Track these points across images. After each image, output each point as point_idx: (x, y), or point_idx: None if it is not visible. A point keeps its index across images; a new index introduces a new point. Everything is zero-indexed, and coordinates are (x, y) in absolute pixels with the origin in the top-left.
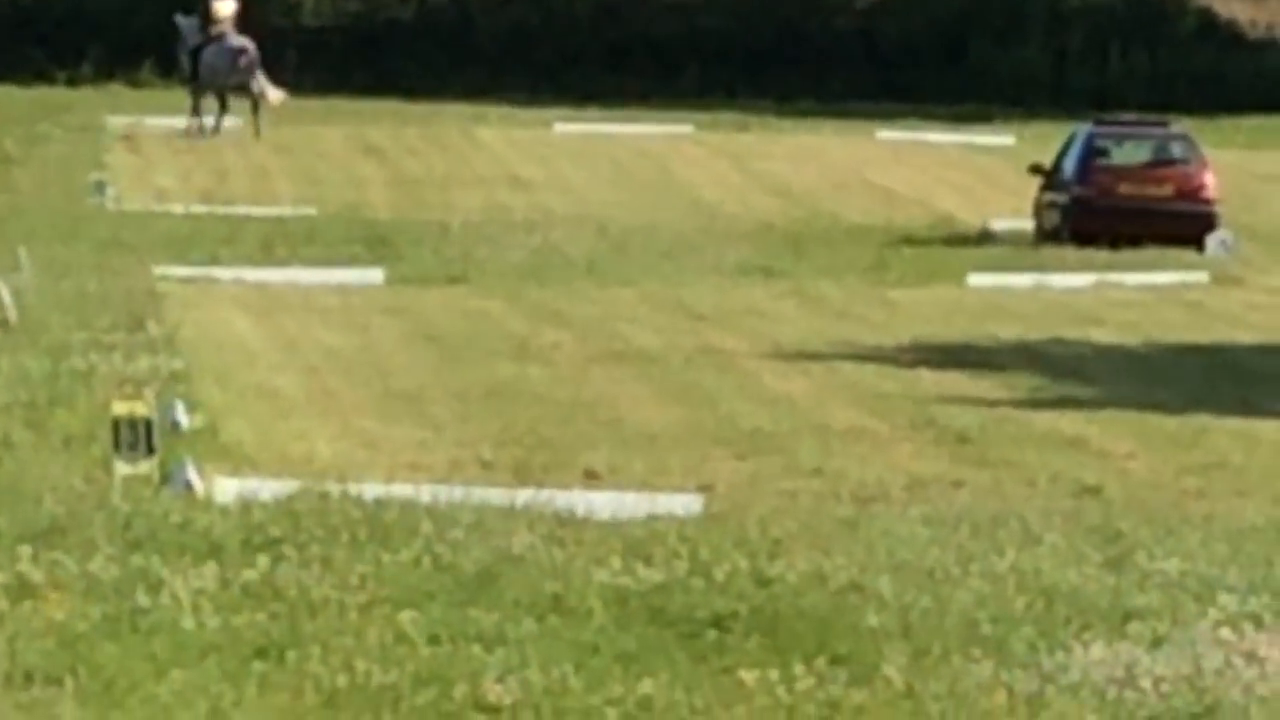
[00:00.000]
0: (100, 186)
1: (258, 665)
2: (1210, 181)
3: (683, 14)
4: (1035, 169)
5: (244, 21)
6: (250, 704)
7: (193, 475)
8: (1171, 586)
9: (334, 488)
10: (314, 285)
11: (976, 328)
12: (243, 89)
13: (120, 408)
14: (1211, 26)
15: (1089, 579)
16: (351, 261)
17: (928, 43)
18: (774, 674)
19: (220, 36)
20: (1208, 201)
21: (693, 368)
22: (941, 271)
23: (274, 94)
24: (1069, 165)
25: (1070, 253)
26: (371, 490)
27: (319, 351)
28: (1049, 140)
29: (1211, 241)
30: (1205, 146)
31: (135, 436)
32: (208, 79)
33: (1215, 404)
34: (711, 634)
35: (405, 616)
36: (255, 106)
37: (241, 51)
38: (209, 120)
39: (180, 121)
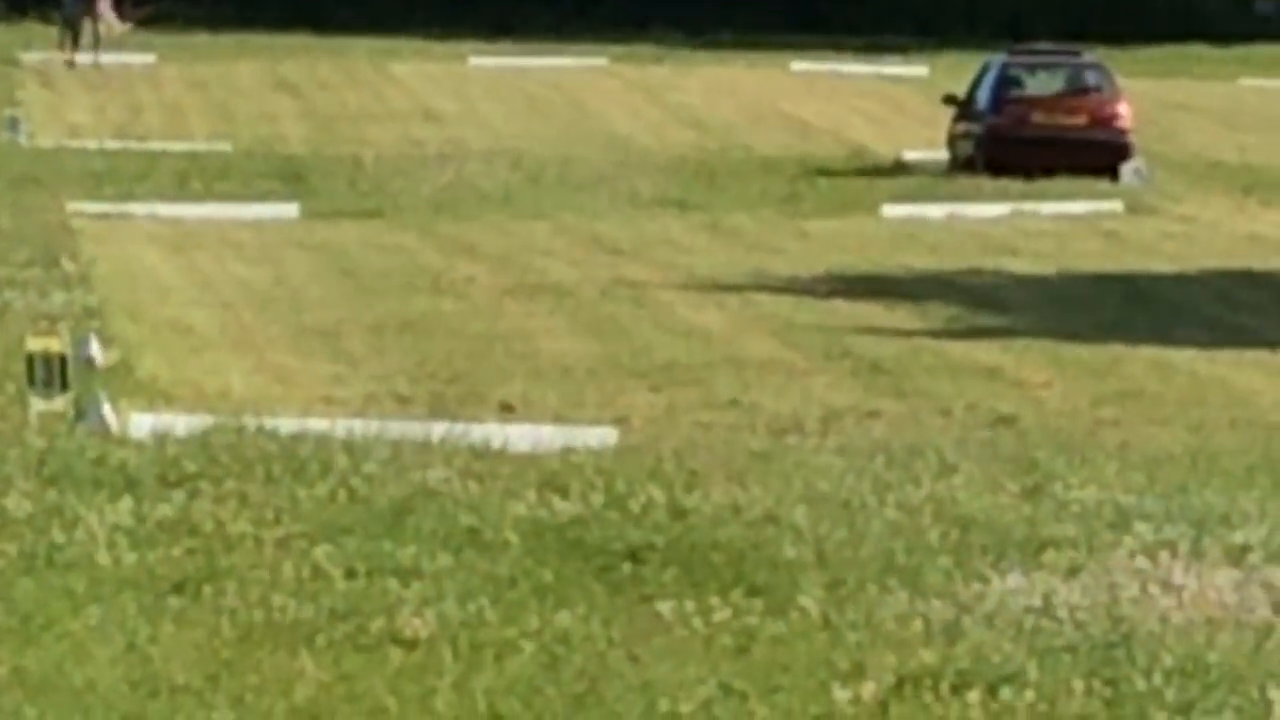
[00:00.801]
0: (13, 122)
1: (174, 601)
2: (1124, 111)
3: None
4: (949, 99)
5: None
6: (166, 639)
7: (107, 411)
8: (1087, 516)
9: (249, 422)
10: (228, 220)
11: (891, 258)
12: (88, 16)
13: (35, 344)
14: None
15: (1005, 509)
16: (266, 196)
17: None
18: (690, 605)
19: None
20: (1122, 131)
21: (607, 300)
22: (856, 203)
23: (116, 24)
24: (982, 95)
25: (984, 183)
26: (286, 425)
27: (234, 286)
28: (962, 71)
29: (1126, 171)
30: (1119, 75)
31: (50, 372)
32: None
33: (1129, 333)
34: (627, 566)
35: (321, 551)
36: (95, 36)
37: None
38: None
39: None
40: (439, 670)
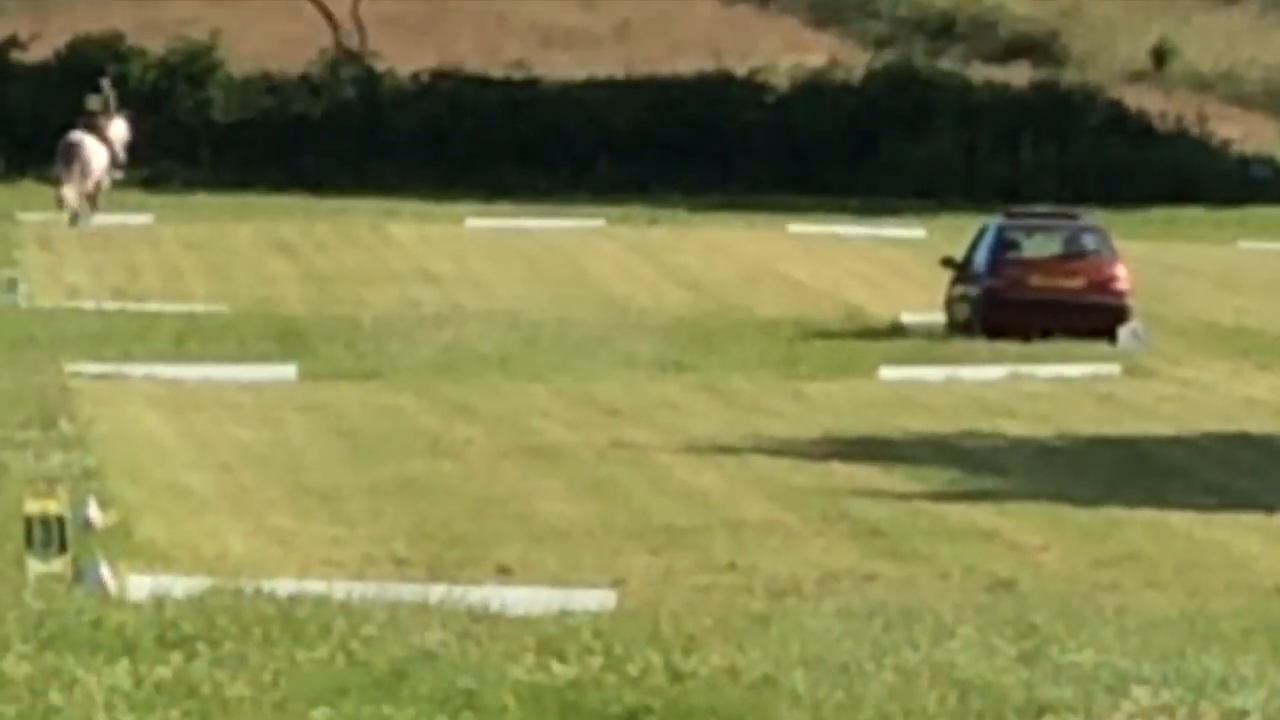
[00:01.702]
0: (12, 283)
1: None
2: (1122, 273)
3: (593, 109)
4: (946, 262)
5: (155, 115)
6: None
7: (106, 573)
8: (1085, 680)
9: (247, 584)
10: (226, 381)
11: (888, 421)
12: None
13: (33, 505)
14: (1121, 119)
15: (1003, 672)
16: (264, 358)
17: (838, 136)
18: None
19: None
20: (1119, 294)
21: (605, 462)
22: (853, 365)
23: (69, 194)
24: (980, 258)
25: (982, 345)
26: (285, 587)
27: (232, 448)
28: (960, 233)
29: (1123, 333)
30: (1116, 238)
31: (48, 534)
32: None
33: (1127, 496)
34: None
35: (319, 714)
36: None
37: (71, 144)
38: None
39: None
40: None
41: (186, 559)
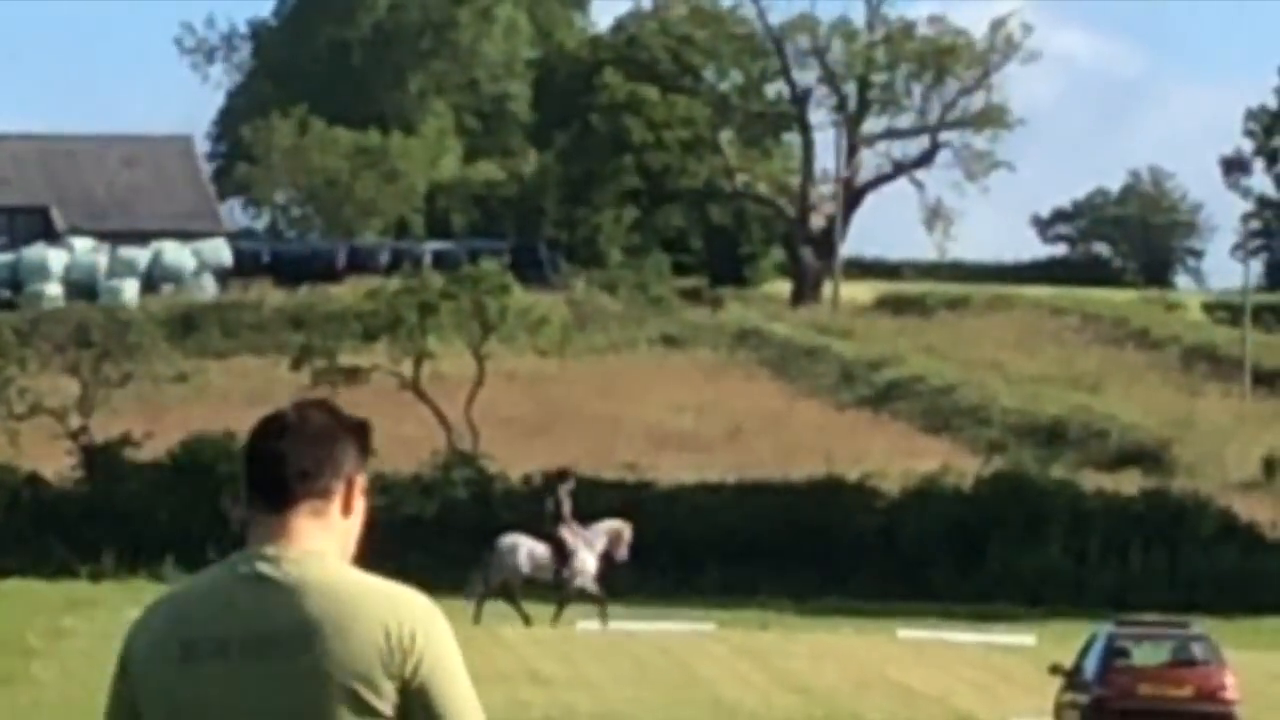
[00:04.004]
0: None
1: None
2: (1230, 683)
3: (704, 512)
4: (1055, 669)
5: None
6: None
7: None
8: None
9: None
10: None
11: None
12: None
13: None
14: (1232, 528)
15: None
16: None
17: (947, 541)
18: None
19: None
20: (1227, 702)
21: None
22: None
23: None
24: (1089, 665)
25: None
26: None
27: None
28: (1069, 639)
29: None
30: (1226, 647)
31: None
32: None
33: None
34: None
35: None
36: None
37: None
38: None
39: None
40: None
41: None
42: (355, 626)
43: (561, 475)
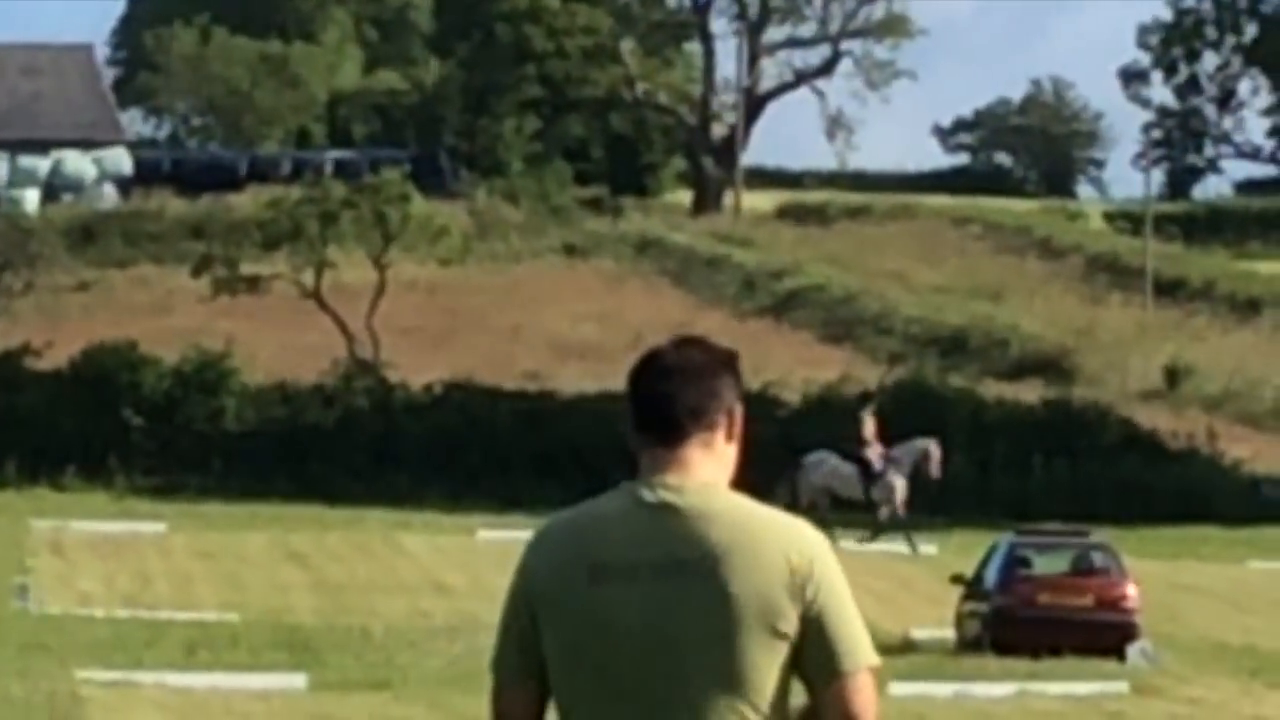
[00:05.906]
0: (23, 590)
1: None
2: (1131, 592)
3: (606, 421)
4: (956, 579)
5: (168, 423)
6: None
7: None
8: None
9: None
10: (236, 691)
11: None
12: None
13: None
14: (1133, 437)
15: None
16: (274, 667)
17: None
18: None
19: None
20: (1128, 611)
21: None
22: None
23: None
24: (990, 575)
25: (991, 662)
26: None
27: None
28: (971, 550)
29: (1132, 651)
30: (1127, 556)
31: None
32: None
33: None
34: None
35: None
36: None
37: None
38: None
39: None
40: None
41: None
42: (762, 553)
43: (865, 397)
